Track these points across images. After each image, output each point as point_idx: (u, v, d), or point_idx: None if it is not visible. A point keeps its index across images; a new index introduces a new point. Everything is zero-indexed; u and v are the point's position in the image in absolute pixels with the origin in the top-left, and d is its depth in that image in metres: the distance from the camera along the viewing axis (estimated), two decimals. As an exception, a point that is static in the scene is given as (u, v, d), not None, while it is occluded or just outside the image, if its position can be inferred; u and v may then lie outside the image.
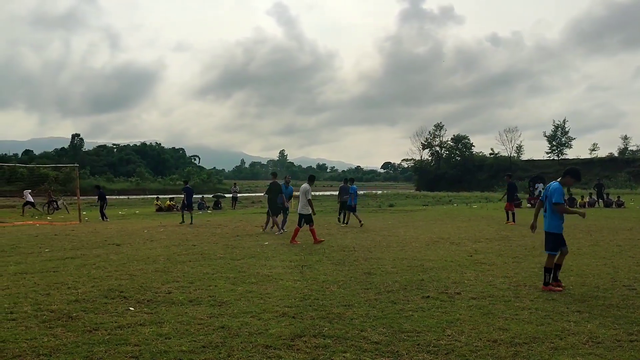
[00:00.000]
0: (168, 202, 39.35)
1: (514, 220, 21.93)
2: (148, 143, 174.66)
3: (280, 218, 18.85)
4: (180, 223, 23.33)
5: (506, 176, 25.14)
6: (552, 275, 8.58)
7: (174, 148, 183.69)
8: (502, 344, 5.67)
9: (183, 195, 25.03)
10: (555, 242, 8.68)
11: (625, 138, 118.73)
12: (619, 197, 37.18)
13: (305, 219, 15.47)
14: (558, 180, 8.82)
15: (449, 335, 6.00)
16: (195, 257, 12.31)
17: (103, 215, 28.00)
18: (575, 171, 8.81)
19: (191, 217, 24.07)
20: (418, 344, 5.72)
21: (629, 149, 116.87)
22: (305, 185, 15.93)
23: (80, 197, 33.37)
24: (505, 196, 23.59)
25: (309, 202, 15.52)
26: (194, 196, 26.77)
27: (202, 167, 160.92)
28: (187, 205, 24.53)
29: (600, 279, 9.13)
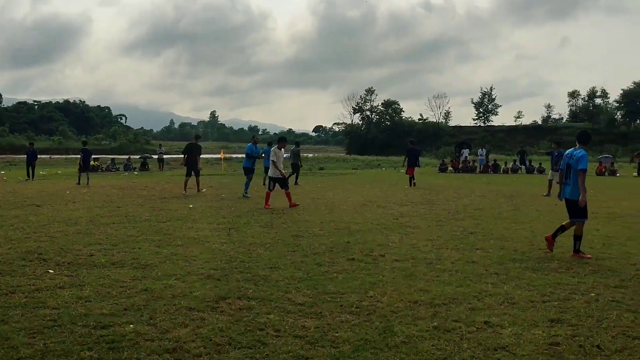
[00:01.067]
0: (92, 162, 38.10)
1: (412, 185, 22.45)
2: (72, 100, 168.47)
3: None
4: (76, 184, 22.80)
5: (409, 142, 25.26)
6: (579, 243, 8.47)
7: (99, 106, 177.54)
8: (422, 305, 5.83)
9: (80, 156, 24.65)
10: (583, 209, 8.49)
11: (549, 107, 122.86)
12: (540, 163, 38.56)
13: (279, 183, 15.07)
14: (579, 147, 8.62)
15: (371, 297, 6.12)
16: (119, 220, 12.04)
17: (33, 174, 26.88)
18: (583, 134, 8.81)
19: (87, 179, 23.58)
20: (341, 305, 5.81)
21: (551, 117, 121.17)
22: (274, 148, 15.42)
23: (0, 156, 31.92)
24: (406, 161, 23.69)
25: (274, 164, 14.93)
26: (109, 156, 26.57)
27: (129, 127, 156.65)
28: (84, 167, 24.10)
29: (518, 243, 9.49)
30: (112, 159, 41.17)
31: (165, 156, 43.62)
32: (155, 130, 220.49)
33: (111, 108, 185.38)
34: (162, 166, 40.38)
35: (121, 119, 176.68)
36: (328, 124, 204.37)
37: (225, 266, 7.53)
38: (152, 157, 45.14)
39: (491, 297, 6.13)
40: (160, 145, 47.36)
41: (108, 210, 13.78)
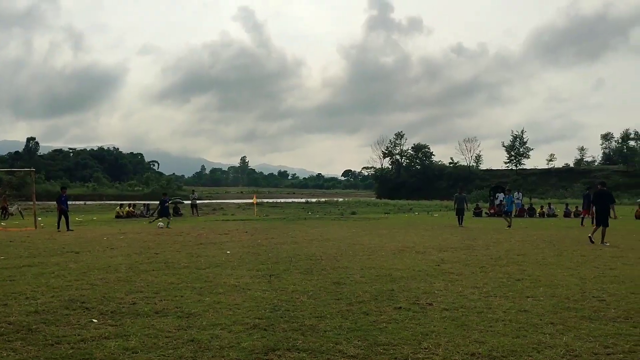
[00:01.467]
0: (127, 208, 38.53)
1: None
2: (106, 148, 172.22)
3: None
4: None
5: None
6: None
7: (132, 153, 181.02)
8: (480, 358, 5.58)
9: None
10: None
11: (582, 149, 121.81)
12: (577, 207, 37.90)
13: None
14: None
15: (426, 349, 5.88)
16: (158, 266, 11.98)
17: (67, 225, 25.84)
18: None
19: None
20: (395, 358, 5.58)
21: (584, 160, 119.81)
22: None
23: (36, 203, 32.42)
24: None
25: None
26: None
27: (161, 173, 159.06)
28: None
29: (569, 290, 9.15)
30: (146, 205, 41.56)
31: (198, 202, 43.88)
32: (186, 176, 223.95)
33: (144, 155, 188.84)
34: (195, 212, 40.56)
35: (154, 165, 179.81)
36: (357, 168, 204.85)
37: (270, 315, 7.36)
38: (182, 202, 45.50)
39: (551, 349, 5.85)
40: (193, 191, 47.82)
41: (146, 256, 13.75)
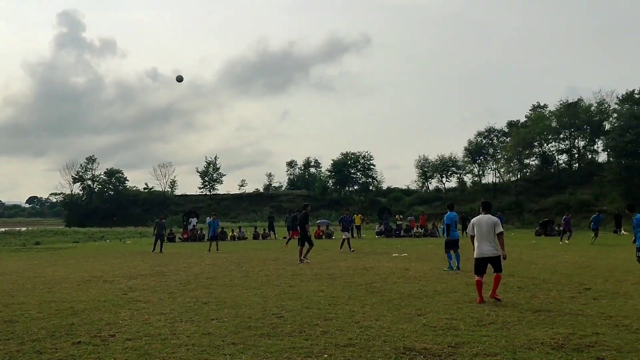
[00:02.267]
0: None
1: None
2: None
3: None
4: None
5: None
6: None
7: None
8: (160, 386, 5.47)
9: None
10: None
11: (270, 175, 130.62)
12: (264, 229, 40.29)
13: None
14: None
15: (103, 384, 5.57)
16: None
17: None
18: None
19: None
20: (68, 398, 5.18)
21: (272, 185, 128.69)
22: None
23: None
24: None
25: None
26: None
27: None
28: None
29: (252, 309, 9.57)
30: None
31: None
32: None
33: None
34: None
35: None
36: (44, 195, 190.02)
37: None
38: None
39: (230, 369, 6.01)
40: None
41: None
